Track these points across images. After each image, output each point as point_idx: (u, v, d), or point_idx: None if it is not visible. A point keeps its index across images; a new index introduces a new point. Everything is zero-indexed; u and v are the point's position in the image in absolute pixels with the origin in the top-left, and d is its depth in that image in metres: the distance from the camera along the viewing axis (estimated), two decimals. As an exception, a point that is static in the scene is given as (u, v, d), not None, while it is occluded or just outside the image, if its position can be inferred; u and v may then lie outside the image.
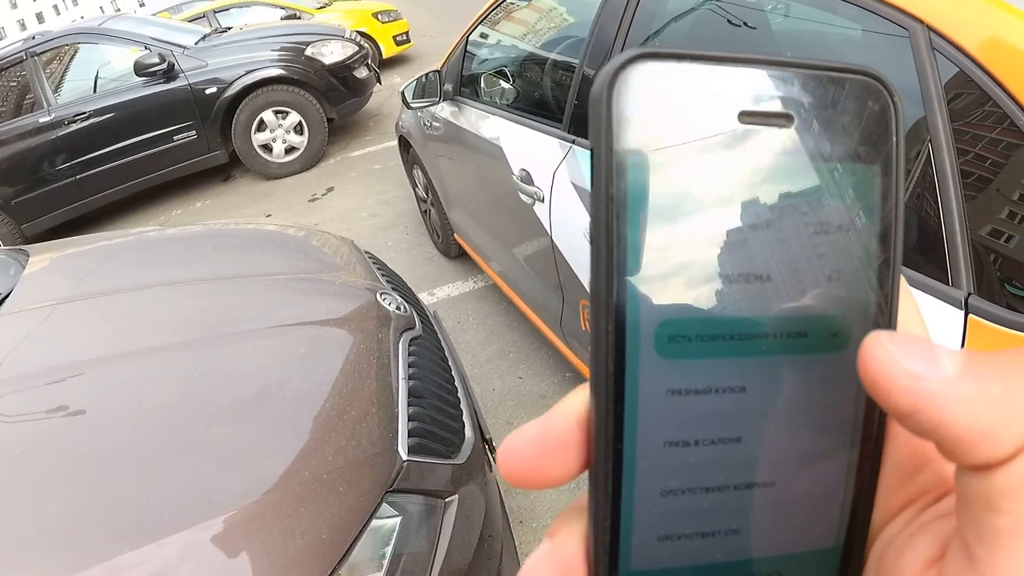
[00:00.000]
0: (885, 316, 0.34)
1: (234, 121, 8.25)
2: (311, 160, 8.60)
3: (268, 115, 8.30)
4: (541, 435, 0.34)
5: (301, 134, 8.50)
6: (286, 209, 7.58)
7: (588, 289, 0.31)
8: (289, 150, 8.54)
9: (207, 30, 9.88)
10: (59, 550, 1.68)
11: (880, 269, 0.34)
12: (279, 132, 8.43)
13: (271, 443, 1.93)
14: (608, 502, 0.32)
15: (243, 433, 1.97)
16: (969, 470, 0.28)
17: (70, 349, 2.42)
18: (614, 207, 0.29)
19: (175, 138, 8.29)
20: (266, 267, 2.96)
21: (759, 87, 0.31)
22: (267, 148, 8.47)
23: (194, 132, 8.33)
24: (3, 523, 1.78)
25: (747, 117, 0.30)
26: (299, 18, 13.61)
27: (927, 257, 1.61)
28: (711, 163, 0.30)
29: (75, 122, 8.08)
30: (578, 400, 0.34)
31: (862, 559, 0.35)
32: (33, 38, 8.47)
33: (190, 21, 12.99)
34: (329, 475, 1.83)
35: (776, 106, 0.31)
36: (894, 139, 0.33)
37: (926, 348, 0.29)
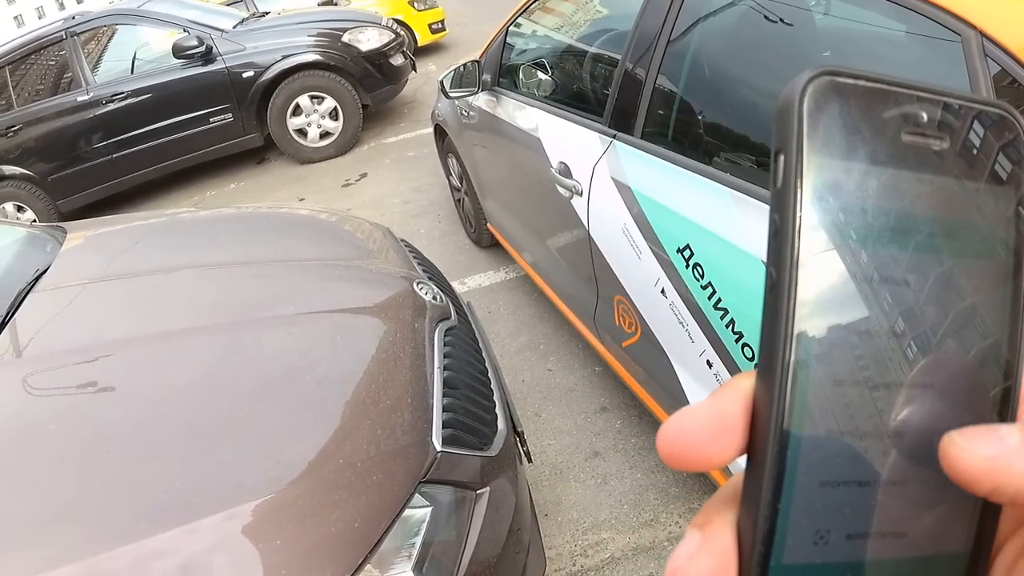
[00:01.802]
0: (1016, 349, 0.35)
1: (270, 105, 8.28)
2: (345, 146, 8.61)
3: (304, 100, 8.32)
4: (713, 417, 0.34)
5: (336, 120, 8.51)
6: (319, 193, 7.60)
7: (765, 268, 0.33)
8: (324, 135, 8.56)
9: (245, 14, 9.91)
10: (86, 525, 1.69)
11: (1013, 297, 0.35)
12: (314, 117, 8.45)
13: (301, 428, 1.93)
14: (771, 491, 0.32)
15: (273, 417, 1.97)
16: None
17: (101, 329, 2.43)
18: (800, 196, 0.32)
19: (211, 120, 8.34)
20: (299, 252, 2.96)
21: (921, 109, 0.34)
22: (302, 133, 8.49)
23: (230, 115, 8.37)
24: (32, 496, 1.79)
25: (910, 135, 0.33)
26: (336, 4, 13.62)
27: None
28: (881, 175, 0.33)
29: (112, 102, 8.14)
30: (747, 384, 0.34)
31: (987, 565, 0.36)
32: (73, 18, 8.53)
33: (228, 5, 13.02)
34: (363, 463, 1.83)
35: (933, 128, 0.34)
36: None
37: (990, 432, 0.32)
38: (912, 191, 0.33)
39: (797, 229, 0.32)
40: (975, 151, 0.34)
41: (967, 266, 0.34)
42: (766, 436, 0.32)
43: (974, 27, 1.63)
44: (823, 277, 0.32)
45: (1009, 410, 0.36)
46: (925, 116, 0.33)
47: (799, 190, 0.32)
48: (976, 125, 0.34)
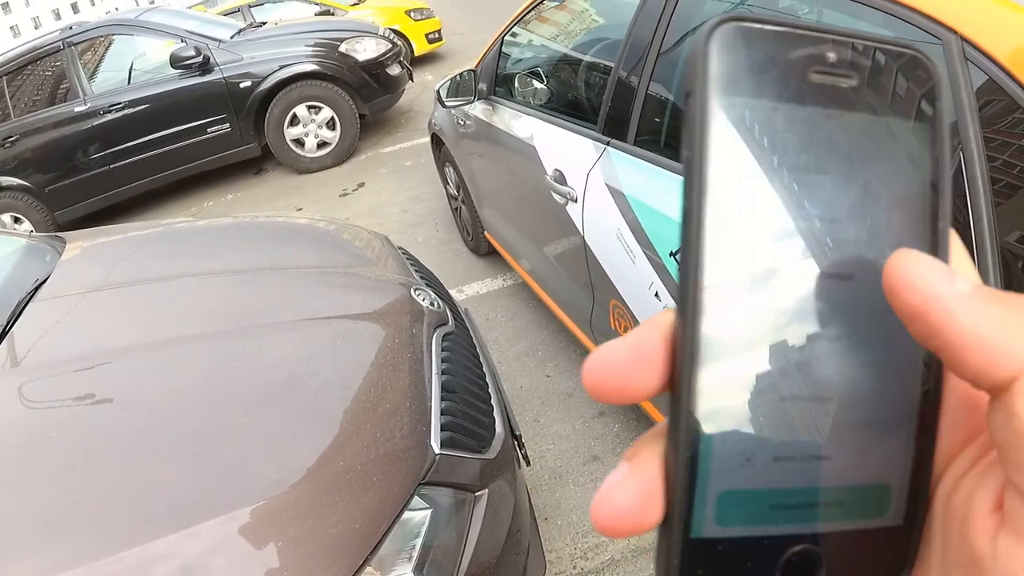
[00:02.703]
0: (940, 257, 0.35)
1: (267, 115, 8.30)
2: (343, 155, 8.63)
3: (301, 110, 8.34)
4: (633, 347, 0.34)
5: (333, 129, 8.53)
6: (317, 203, 7.62)
7: (680, 216, 0.34)
8: (321, 145, 8.58)
9: (242, 24, 9.95)
10: (87, 531, 1.71)
11: (932, 218, 0.36)
12: (312, 127, 8.47)
13: (302, 432, 1.95)
14: (690, 415, 0.33)
15: (274, 422, 1.99)
16: (990, 410, 0.30)
17: (100, 337, 2.45)
18: (706, 136, 0.33)
19: (209, 130, 8.35)
20: (298, 260, 2.98)
21: (828, 51, 0.35)
22: (299, 142, 8.51)
23: (228, 125, 8.38)
24: (34, 503, 1.81)
25: (818, 74, 0.34)
26: (333, 14, 13.66)
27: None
28: (789, 111, 0.34)
29: (110, 112, 8.15)
30: (666, 318, 0.35)
31: (928, 495, 0.36)
32: (70, 28, 8.55)
33: (225, 15, 13.06)
34: (363, 466, 1.85)
35: (842, 67, 0.35)
36: (939, 104, 0.36)
37: (946, 269, 0.31)
38: (823, 126, 0.35)
39: (705, 160, 0.33)
40: (885, 88, 0.36)
41: (882, 199, 0.35)
42: (682, 361, 0.33)
43: (954, 31, 1.66)
44: (733, 205, 0.33)
45: None
46: (832, 56, 0.34)
47: (706, 126, 0.33)
48: (885, 63, 0.36)
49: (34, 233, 6.12)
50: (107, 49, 8.60)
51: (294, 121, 8.38)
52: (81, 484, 1.84)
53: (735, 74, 0.33)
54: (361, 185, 7.81)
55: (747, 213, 0.33)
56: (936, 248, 0.35)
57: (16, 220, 8.26)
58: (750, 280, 0.33)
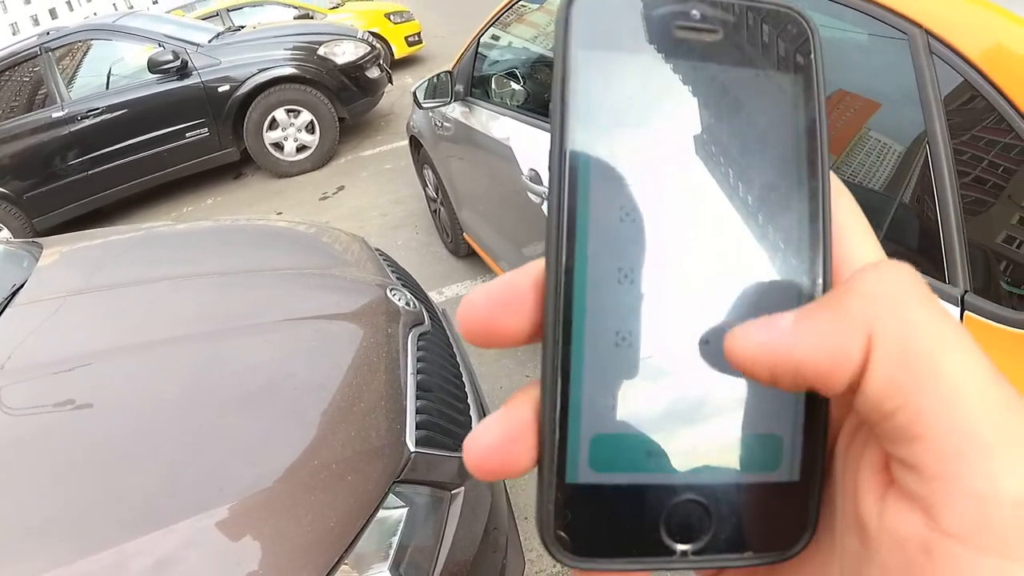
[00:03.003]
0: (817, 224, 0.35)
1: (246, 119, 8.28)
2: (322, 159, 8.62)
3: (280, 114, 8.33)
4: (501, 287, 0.35)
5: (312, 133, 8.52)
6: (297, 207, 7.61)
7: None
8: (300, 148, 8.57)
9: (220, 28, 9.92)
10: (68, 537, 1.71)
11: (809, 175, 0.36)
12: (291, 131, 8.46)
13: (280, 433, 1.96)
14: (558, 356, 0.33)
15: (252, 424, 2.00)
16: (855, 401, 0.30)
17: (79, 341, 2.45)
18: (568, 88, 0.33)
19: (187, 135, 8.32)
20: (276, 262, 2.99)
21: (691, 8, 0.35)
22: (278, 146, 8.50)
23: (206, 129, 8.36)
24: (14, 511, 1.81)
25: (681, 30, 0.35)
26: (312, 18, 13.65)
27: (924, 255, 1.63)
28: (651, 65, 0.34)
29: (88, 118, 8.12)
30: (537, 265, 0.35)
31: (824, 449, 0.35)
32: (47, 33, 8.51)
33: (203, 19, 13.03)
34: (338, 464, 1.86)
35: (706, 23, 0.35)
36: (812, 57, 0.36)
37: (766, 320, 0.32)
38: (691, 81, 0.35)
39: (566, 109, 0.33)
40: (753, 42, 0.36)
41: (752, 151, 0.35)
42: (549, 299, 0.33)
43: (919, 26, 1.67)
44: (599, 149, 0.33)
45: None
46: (695, 12, 0.35)
47: (568, 79, 0.33)
48: (752, 19, 0.36)
49: (10, 239, 6.09)
50: (85, 54, 8.56)
51: (273, 125, 8.37)
52: (60, 489, 1.85)
53: (596, 32, 0.34)
54: (341, 188, 7.80)
55: (613, 157, 0.34)
56: (809, 194, 0.35)
57: (-6, 228, 8.22)
58: (618, 219, 0.33)
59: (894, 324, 0.29)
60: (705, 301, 0.34)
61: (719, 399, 0.34)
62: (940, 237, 1.58)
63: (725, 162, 0.35)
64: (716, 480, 0.34)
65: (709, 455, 0.34)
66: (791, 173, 0.35)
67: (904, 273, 0.31)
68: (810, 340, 0.30)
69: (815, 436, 0.35)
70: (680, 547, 0.34)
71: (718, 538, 0.34)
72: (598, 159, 0.33)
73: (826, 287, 0.35)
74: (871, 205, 1.90)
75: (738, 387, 0.34)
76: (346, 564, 1.72)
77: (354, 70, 8.59)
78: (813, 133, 0.36)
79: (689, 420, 0.34)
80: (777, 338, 0.31)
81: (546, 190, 2.69)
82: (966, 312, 1.52)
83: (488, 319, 0.34)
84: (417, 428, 2.06)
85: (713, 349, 0.34)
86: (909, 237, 1.71)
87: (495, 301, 0.35)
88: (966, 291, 1.54)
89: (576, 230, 0.33)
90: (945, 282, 1.57)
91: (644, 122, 0.34)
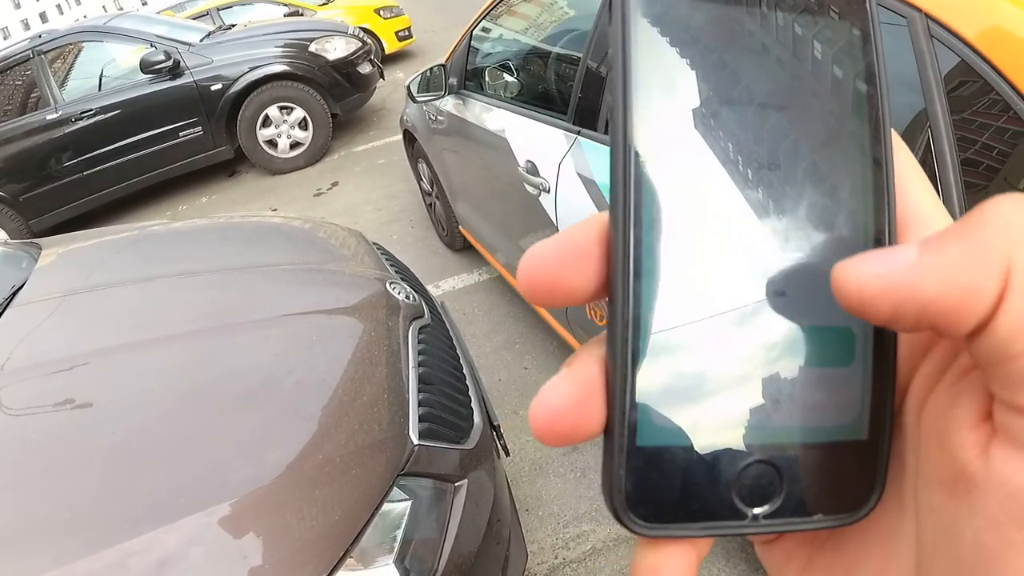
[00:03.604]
0: (881, 175, 0.35)
1: (239, 117, 8.27)
2: (316, 155, 8.62)
3: (273, 111, 8.32)
4: (563, 242, 0.33)
5: (305, 129, 8.52)
6: (291, 203, 7.61)
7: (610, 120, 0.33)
8: (294, 145, 8.56)
9: (211, 27, 9.91)
10: (70, 535, 1.71)
11: (871, 124, 0.35)
12: (284, 128, 8.45)
13: (281, 429, 1.96)
14: (628, 312, 0.32)
15: (253, 420, 1.99)
16: (976, 341, 0.27)
17: (78, 340, 2.45)
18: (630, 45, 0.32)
19: (181, 134, 8.31)
20: (273, 258, 2.98)
21: None
22: (272, 144, 8.49)
23: (200, 128, 8.35)
24: (15, 510, 1.81)
25: None
26: (302, 15, 13.62)
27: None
28: (712, 19, 0.34)
29: (82, 119, 8.11)
30: (601, 217, 0.33)
31: (893, 406, 0.34)
32: (39, 36, 8.49)
33: (194, 19, 13.00)
34: (342, 459, 1.86)
35: None
36: (867, 2, 0.35)
37: (882, 252, 0.29)
38: (746, 30, 0.34)
39: (630, 60, 0.32)
40: None
41: (815, 101, 0.34)
42: (617, 258, 0.32)
43: (919, 9, 1.67)
44: (662, 106, 0.32)
45: None
46: None
47: (629, 38, 0.32)
48: None
49: (8, 240, 6.09)
50: (77, 56, 8.54)
51: (266, 122, 8.36)
52: (61, 488, 1.84)
53: None
54: (335, 184, 7.80)
55: (679, 110, 0.33)
56: (872, 144, 0.34)
57: (-9, 230, 8.21)
58: (687, 171, 0.32)
59: None
60: (777, 254, 0.33)
61: (789, 357, 0.33)
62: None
63: (789, 115, 0.34)
64: (786, 441, 0.33)
65: (779, 416, 0.33)
66: (854, 122, 0.34)
67: None
68: (940, 274, 0.27)
69: (883, 393, 0.34)
70: (752, 511, 0.33)
71: (789, 501, 0.34)
72: (663, 112, 0.32)
73: (891, 239, 0.34)
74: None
75: (809, 343, 0.33)
76: (351, 558, 1.72)
77: (345, 66, 8.58)
78: (873, 80, 0.35)
79: (759, 380, 0.33)
80: (901, 271, 0.28)
81: (543, 180, 2.68)
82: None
83: (554, 275, 0.33)
84: (420, 421, 2.07)
85: (788, 302, 0.33)
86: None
87: (560, 256, 0.33)
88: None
89: (643, 183, 0.32)
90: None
91: (707, 76, 0.33)
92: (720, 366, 0.33)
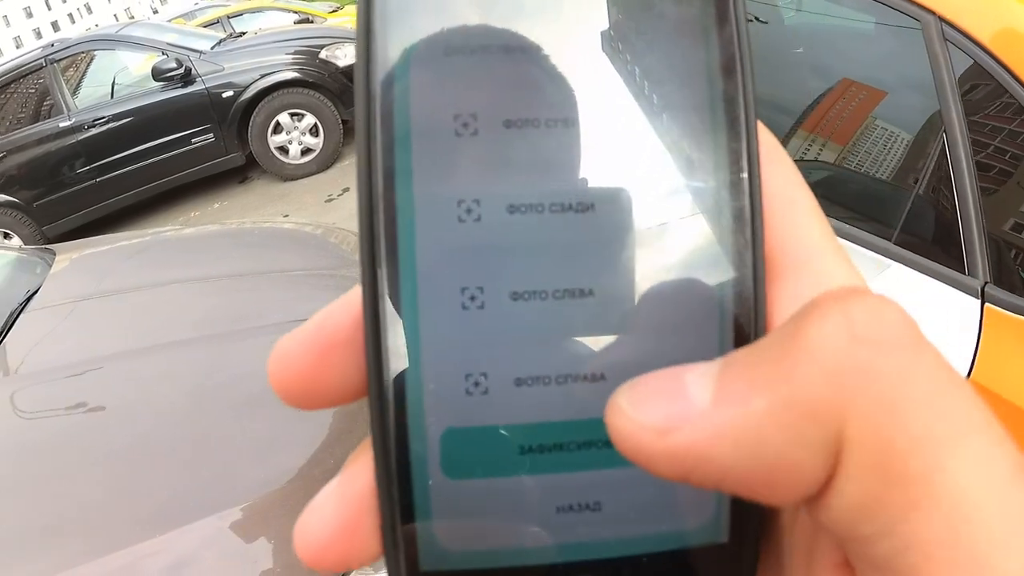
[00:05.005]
0: (741, 203, 0.26)
1: (250, 124, 8.28)
2: (327, 161, 8.61)
3: (284, 117, 8.32)
4: (316, 331, 0.27)
5: (316, 136, 8.51)
6: (303, 209, 7.61)
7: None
8: (305, 152, 8.55)
9: (222, 35, 9.93)
10: (83, 537, 1.72)
11: (728, 133, 0.27)
12: (295, 134, 8.44)
13: (292, 434, 1.96)
14: (388, 415, 0.25)
15: (264, 424, 2.00)
16: (809, 508, 0.22)
17: (91, 345, 2.46)
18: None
19: (193, 141, 8.32)
20: (284, 264, 2.99)
21: None
22: (283, 150, 8.48)
23: (211, 135, 8.36)
24: (29, 511, 1.81)
25: None
26: (312, 22, 13.64)
27: (943, 247, 1.63)
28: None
29: (95, 126, 8.14)
30: (359, 291, 0.26)
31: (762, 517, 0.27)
32: (51, 45, 8.53)
33: (204, 27, 13.04)
34: (354, 462, 1.86)
35: None
36: None
37: (667, 384, 0.22)
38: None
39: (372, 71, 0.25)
40: None
41: (642, 105, 0.26)
42: (368, 343, 0.26)
43: (933, 12, 1.67)
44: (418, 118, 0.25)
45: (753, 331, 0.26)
46: None
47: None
48: None
49: (24, 246, 6.12)
50: (89, 65, 8.58)
51: (277, 129, 8.36)
52: (74, 490, 1.85)
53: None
54: (346, 190, 7.80)
55: (440, 126, 0.26)
56: (728, 161, 0.26)
57: (5, 235, 8.23)
58: (456, 216, 0.26)
59: (874, 413, 0.20)
60: (585, 333, 0.26)
61: (609, 450, 0.23)
62: (959, 228, 1.57)
63: (602, 124, 0.26)
64: (620, 553, 0.26)
65: (607, 522, 0.26)
66: (698, 133, 0.26)
67: (885, 314, 0.21)
68: (738, 442, 0.21)
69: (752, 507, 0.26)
70: None
71: None
72: (421, 122, 0.26)
73: (757, 299, 0.26)
74: (883, 196, 1.89)
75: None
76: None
77: (356, 72, 8.58)
78: (731, 73, 0.26)
79: (573, 482, 0.26)
80: (687, 432, 0.21)
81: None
82: (986, 304, 1.52)
83: (310, 375, 0.26)
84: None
85: (605, 386, 0.25)
86: (925, 228, 1.71)
87: (314, 349, 0.26)
88: (986, 282, 1.53)
89: (398, 237, 0.25)
90: (964, 273, 1.56)
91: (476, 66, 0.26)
92: (520, 467, 0.26)
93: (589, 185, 0.26)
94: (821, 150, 1.95)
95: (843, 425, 0.20)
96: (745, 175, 0.26)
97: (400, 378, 0.25)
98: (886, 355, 0.20)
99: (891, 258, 1.67)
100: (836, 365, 0.20)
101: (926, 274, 1.61)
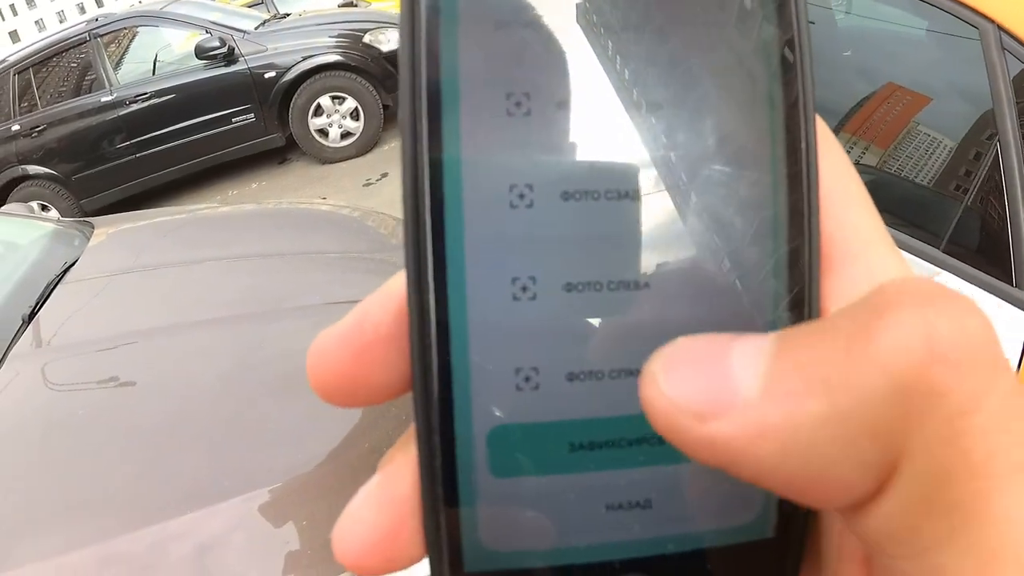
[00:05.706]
0: (799, 190, 0.26)
1: (291, 105, 8.30)
2: (366, 146, 8.61)
3: (325, 100, 8.33)
4: (355, 328, 0.26)
5: (357, 120, 8.51)
6: (340, 193, 7.62)
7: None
8: (345, 135, 8.56)
9: (266, 16, 9.96)
10: (111, 513, 1.72)
11: (786, 124, 0.26)
12: (335, 117, 8.45)
13: (325, 417, 1.94)
14: (433, 412, 0.25)
15: (296, 407, 1.99)
16: (848, 517, 0.21)
17: (125, 319, 2.46)
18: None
19: (233, 120, 8.36)
20: (321, 245, 2.98)
21: None
22: (323, 133, 8.50)
23: (252, 115, 8.39)
24: (59, 485, 1.81)
25: None
26: (356, 5, 13.66)
27: (991, 258, 1.60)
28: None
29: (136, 102, 8.19)
30: (398, 282, 0.25)
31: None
32: (95, 20, 8.60)
33: (248, 7, 13.08)
34: (387, 448, 1.85)
35: None
36: None
37: (710, 356, 0.21)
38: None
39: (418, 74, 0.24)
40: None
41: (700, 99, 0.25)
42: (412, 339, 0.25)
43: (991, 20, 1.64)
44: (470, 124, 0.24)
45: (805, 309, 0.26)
46: None
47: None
48: None
49: (62, 219, 6.17)
50: (132, 40, 8.64)
51: (318, 111, 8.38)
52: (104, 466, 1.85)
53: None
54: (385, 175, 7.80)
55: (495, 124, 0.25)
56: (786, 150, 0.26)
57: (43, 207, 8.30)
58: (507, 203, 0.25)
59: (938, 443, 0.19)
60: (640, 326, 0.25)
61: (662, 447, 0.23)
62: (1008, 238, 1.54)
63: (659, 117, 0.25)
64: (662, 550, 0.26)
65: (657, 520, 0.26)
66: (758, 122, 0.26)
67: (968, 327, 0.19)
68: (784, 446, 0.19)
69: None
70: None
71: None
72: (470, 101, 0.24)
73: (811, 296, 0.26)
74: (928, 203, 1.86)
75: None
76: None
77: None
78: (791, 65, 0.26)
79: (625, 480, 0.26)
80: (729, 424, 0.20)
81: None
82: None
83: (350, 372, 0.26)
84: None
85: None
86: (974, 237, 1.68)
87: (353, 346, 0.26)
88: (1034, 295, 1.50)
89: (445, 224, 0.24)
90: (1012, 285, 1.54)
91: (532, 72, 0.25)
92: (570, 465, 0.25)
93: (645, 173, 0.25)
94: (863, 153, 1.93)
95: (903, 448, 0.19)
96: (803, 166, 0.26)
97: (447, 373, 0.25)
98: (963, 377, 0.19)
99: (939, 266, 1.64)
100: (908, 384, 0.19)
101: (974, 284, 1.58)
